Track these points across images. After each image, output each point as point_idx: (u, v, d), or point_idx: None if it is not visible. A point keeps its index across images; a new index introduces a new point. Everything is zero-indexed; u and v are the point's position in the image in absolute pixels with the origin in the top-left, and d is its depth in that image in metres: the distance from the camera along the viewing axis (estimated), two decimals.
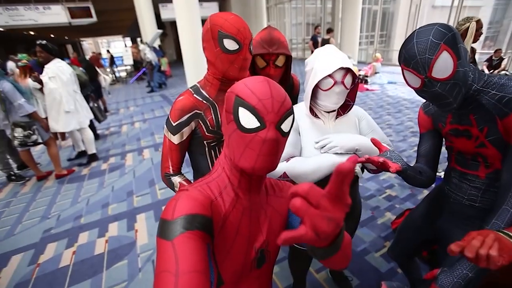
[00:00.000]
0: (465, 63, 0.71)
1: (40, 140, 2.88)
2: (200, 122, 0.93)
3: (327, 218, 0.31)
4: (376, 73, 7.12)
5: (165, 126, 0.94)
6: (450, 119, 0.86)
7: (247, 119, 0.48)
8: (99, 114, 3.98)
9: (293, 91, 1.39)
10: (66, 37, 21.66)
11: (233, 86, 0.52)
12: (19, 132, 2.72)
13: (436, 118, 0.92)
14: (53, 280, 1.78)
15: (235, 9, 12.93)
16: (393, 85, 6.64)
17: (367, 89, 6.26)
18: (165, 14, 11.50)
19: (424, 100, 0.93)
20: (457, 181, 0.91)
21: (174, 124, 0.90)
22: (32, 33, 14.74)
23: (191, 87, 0.96)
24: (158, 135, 4.44)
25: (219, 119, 0.94)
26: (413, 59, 0.70)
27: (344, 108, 1.02)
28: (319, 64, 0.88)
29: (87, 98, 3.56)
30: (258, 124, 0.48)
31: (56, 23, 9.11)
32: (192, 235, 0.43)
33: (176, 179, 0.95)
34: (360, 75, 6.76)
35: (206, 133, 0.94)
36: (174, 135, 0.91)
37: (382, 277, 1.62)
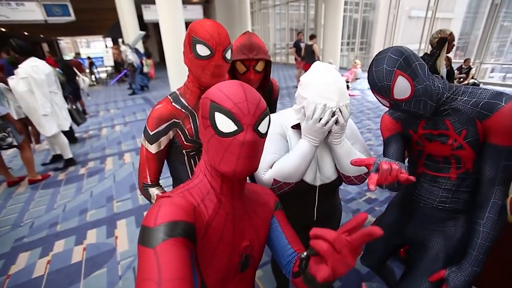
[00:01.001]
0: (424, 79, 0.77)
1: (15, 143, 2.73)
2: (179, 131, 0.91)
3: (346, 263, 0.37)
4: (357, 79, 7.38)
5: (142, 135, 0.92)
6: (423, 125, 0.90)
7: (224, 124, 0.48)
8: (78, 116, 3.83)
9: (272, 95, 1.40)
10: (42, 35, 20.66)
11: (207, 91, 0.52)
12: None
13: (407, 124, 0.96)
14: None
15: (219, 12, 12.94)
16: None
17: (348, 95, 6.46)
18: (147, 15, 11.29)
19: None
20: (428, 185, 0.94)
21: (151, 133, 0.88)
22: (3, 29, 13.94)
23: (170, 95, 0.94)
24: (139, 138, 4.33)
25: (198, 128, 0.94)
26: (375, 86, 0.80)
27: None
28: (312, 101, 0.82)
29: (65, 100, 3.42)
30: (235, 128, 0.48)
31: (31, 20, 8.68)
32: (175, 242, 0.42)
33: (154, 191, 0.93)
34: None
35: (185, 142, 0.92)
36: (151, 144, 0.89)
37: (362, 278, 1.67)
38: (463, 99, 0.81)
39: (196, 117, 0.93)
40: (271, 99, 1.38)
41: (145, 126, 0.90)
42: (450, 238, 0.91)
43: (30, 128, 3.83)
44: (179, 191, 0.54)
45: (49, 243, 2.09)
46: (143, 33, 8.15)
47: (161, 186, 0.97)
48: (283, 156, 0.90)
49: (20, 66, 2.75)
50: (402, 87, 0.76)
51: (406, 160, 1.07)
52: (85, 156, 3.73)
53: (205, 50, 0.82)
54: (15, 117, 2.97)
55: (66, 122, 3.26)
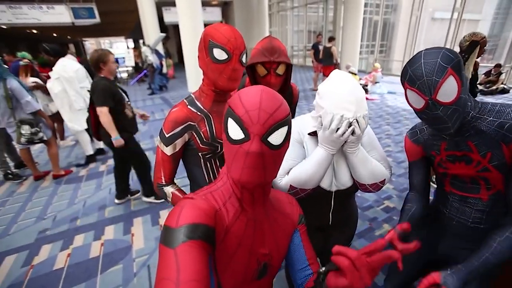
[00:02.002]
0: (466, 91, 0.72)
1: (45, 138, 2.89)
2: (194, 134, 0.92)
3: (363, 281, 0.41)
4: (376, 82, 7.18)
5: (158, 136, 0.94)
6: (444, 146, 0.85)
7: (234, 130, 0.48)
8: None
9: (292, 100, 1.39)
10: (69, 37, 21.73)
11: (232, 97, 0.52)
12: (26, 129, 2.73)
13: (428, 147, 0.91)
14: (47, 282, 1.76)
15: (237, 15, 13.06)
16: (392, 95, 6.70)
17: (367, 99, 6.30)
18: (168, 18, 11.60)
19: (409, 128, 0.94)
20: (458, 205, 0.90)
21: (167, 136, 0.90)
22: (34, 31, 14.79)
23: (186, 98, 0.96)
24: (157, 138, 4.42)
25: (214, 131, 0.94)
26: (420, 79, 0.70)
27: None
28: (329, 111, 0.80)
29: None
30: (242, 136, 0.47)
31: (59, 23, 9.16)
32: (195, 244, 0.43)
33: (169, 189, 0.95)
34: (360, 84, 6.81)
35: (201, 145, 0.94)
36: (166, 146, 0.91)
37: None
38: (487, 119, 0.75)
39: (212, 120, 0.94)
40: (291, 103, 1.37)
41: (161, 129, 0.92)
42: None
43: (56, 125, 4.03)
44: (202, 193, 0.55)
45: (69, 237, 2.18)
46: (163, 35, 8.36)
47: (175, 184, 0.99)
48: (299, 163, 0.90)
49: (54, 68, 2.98)
50: (450, 88, 0.68)
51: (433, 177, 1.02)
52: (105, 154, 3.86)
53: (222, 54, 0.83)
54: None
55: None
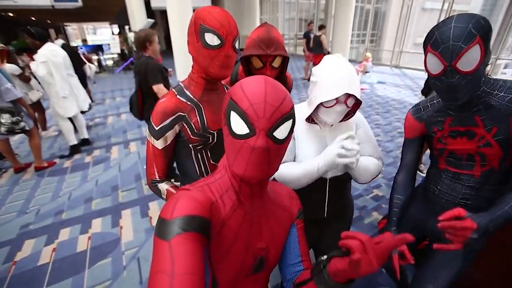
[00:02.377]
0: (486, 64, 0.70)
1: (27, 128, 2.75)
2: (185, 125, 0.87)
3: (371, 264, 0.41)
4: (366, 72, 7.19)
5: (147, 130, 0.88)
6: (449, 122, 0.86)
7: (237, 125, 0.46)
8: None
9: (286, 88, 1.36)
10: (49, 21, 20.60)
11: (232, 87, 0.49)
12: (6, 118, 2.58)
13: (431, 124, 0.92)
14: (31, 278, 1.70)
15: (228, 1, 12.67)
16: (382, 85, 6.74)
17: None
18: (155, 2, 11.11)
19: (414, 104, 0.94)
20: (450, 182, 0.92)
21: (156, 128, 0.84)
22: (11, 14, 13.91)
23: (174, 87, 0.90)
24: (145, 127, 4.32)
25: (205, 121, 0.89)
26: (445, 43, 0.67)
27: (343, 117, 0.96)
28: (326, 84, 0.81)
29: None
30: (247, 131, 0.45)
31: (38, 5, 8.62)
32: (190, 236, 0.42)
33: (163, 186, 0.90)
34: None
35: (192, 136, 0.89)
36: (157, 139, 0.85)
37: (368, 277, 1.64)
38: (498, 94, 0.76)
39: (203, 109, 0.89)
40: None
41: (150, 121, 0.86)
42: None
43: (37, 114, 3.84)
44: (198, 185, 0.53)
45: (54, 231, 2.11)
46: (152, 21, 8.00)
47: (170, 180, 0.94)
48: (290, 163, 0.92)
49: (39, 51, 2.84)
50: (473, 57, 0.66)
51: (429, 155, 1.03)
52: (91, 144, 3.73)
53: (215, 39, 0.77)
54: None
55: (85, 103, 3.49)
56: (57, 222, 2.21)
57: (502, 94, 0.75)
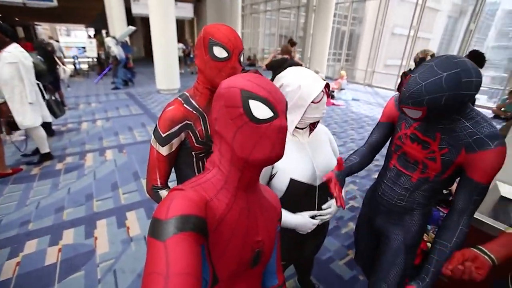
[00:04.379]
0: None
1: None
2: (190, 133, 0.91)
3: None
4: (341, 89, 7.60)
5: (152, 136, 0.91)
6: (416, 125, 0.94)
7: (261, 111, 0.50)
8: (57, 108, 3.62)
9: None
10: (17, 19, 19.37)
11: (229, 83, 0.52)
12: None
13: (404, 117, 1.00)
14: None
15: (210, 13, 12.87)
16: (356, 102, 7.15)
17: (333, 104, 6.65)
18: (136, 9, 10.99)
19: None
20: (392, 181, 1.04)
21: (163, 135, 0.87)
22: None
23: (179, 96, 0.93)
24: (123, 135, 4.17)
25: (209, 130, 0.94)
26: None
27: (313, 123, 1.02)
28: (308, 83, 0.89)
29: (44, 90, 3.23)
30: (272, 114, 0.50)
31: (7, 1, 8.13)
32: (186, 236, 0.42)
33: (164, 193, 0.91)
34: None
35: (196, 144, 0.93)
36: (162, 146, 0.88)
37: (345, 284, 1.71)
38: (464, 123, 0.82)
39: (207, 118, 0.94)
40: None
41: (156, 129, 0.88)
42: (407, 231, 1.04)
43: (0, 119, 3.57)
44: (191, 185, 0.53)
45: (19, 243, 1.95)
46: (133, 28, 7.87)
47: (169, 187, 0.95)
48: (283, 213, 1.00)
49: (5, 50, 2.58)
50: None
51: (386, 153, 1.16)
52: (62, 151, 3.53)
53: (222, 52, 0.85)
54: None
55: (48, 113, 3.17)
56: (22, 233, 2.05)
57: (467, 124, 0.82)
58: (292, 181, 0.93)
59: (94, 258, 1.84)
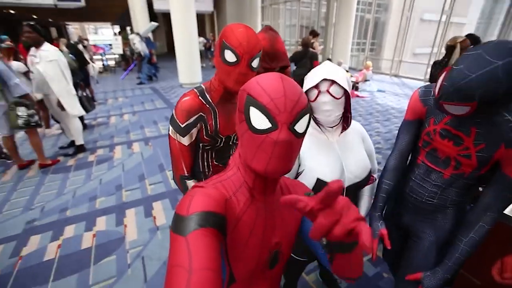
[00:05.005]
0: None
1: (39, 122, 2.76)
2: (203, 124, 0.93)
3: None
4: (366, 80, 7.31)
5: (170, 127, 0.93)
6: (447, 120, 0.85)
7: (258, 120, 0.46)
8: (87, 103, 3.83)
9: None
10: (50, 20, 20.58)
11: (246, 83, 0.50)
12: (22, 111, 2.60)
13: (432, 112, 0.91)
14: (37, 273, 1.72)
15: (230, 6, 12.83)
16: (382, 93, 6.85)
17: (358, 96, 6.42)
18: (158, 5, 11.24)
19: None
20: (421, 178, 0.96)
21: (182, 126, 0.89)
22: (12, 12, 13.88)
23: (196, 88, 0.95)
24: (148, 128, 4.35)
25: (218, 125, 0.95)
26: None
27: (346, 121, 0.98)
28: (308, 77, 0.89)
29: (76, 86, 3.45)
30: (269, 125, 0.46)
31: (41, 4, 8.66)
32: (206, 232, 0.42)
33: (191, 183, 0.95)
34: (351, 81, 6.90)
35: (205, 136, 0.95)
36: (183, 136, 0.90)
37: (369, 280, 1.68)
38: (506, 116, 0.75)
39: (218, 114, 0.95)
40: None
41: (174, 119, 0.90)
42: (440, 229, 0.98)
43: (41, 112, 3.86)
44: (211, 182, 0.54)
45: (59, 228, 2.13)
46: (156, 24, 8.07)
47: (196, 179, 0.99)
48: None
49: (42, 49, 2.77)
50: None
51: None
52: (94, 144, 3.76)
53: (232, 56, 0.84)
54: None
55: (81, 108, 3.42)
56: (62, 219, 2.23)
57: (509, 117, 0.74)
58: (318, 181, 0.91)
59: (124, 245, 1.96)
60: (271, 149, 0.46)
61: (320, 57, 7.45)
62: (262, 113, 0.46)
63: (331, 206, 0.37)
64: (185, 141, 0.91)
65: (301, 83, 1.01)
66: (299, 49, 4.07)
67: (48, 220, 2.22)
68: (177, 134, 0.90)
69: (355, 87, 6.82)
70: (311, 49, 3.89)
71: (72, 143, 3.51)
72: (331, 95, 0.86)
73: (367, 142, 1.05)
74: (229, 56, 0.83)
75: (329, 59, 8.72)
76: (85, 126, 4.30)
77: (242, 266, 0.55)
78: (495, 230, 1.01)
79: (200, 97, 0.92)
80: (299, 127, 0.48)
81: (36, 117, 2.72)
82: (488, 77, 0.61)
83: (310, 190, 0.71)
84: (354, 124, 1.05)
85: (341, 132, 0.98)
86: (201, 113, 0.91)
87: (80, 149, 3.43)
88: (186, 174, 0.95)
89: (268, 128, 0.46)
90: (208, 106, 0.93)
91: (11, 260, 1.81)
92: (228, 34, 0.83)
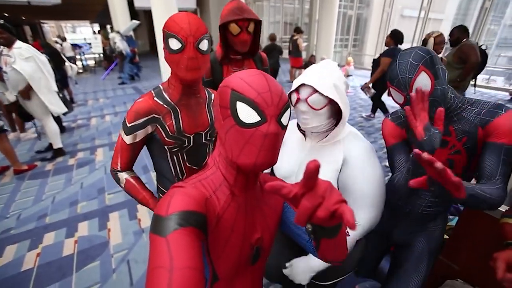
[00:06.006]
0: (443, 83, 0.79)
1: (5, 127, 2.63)
2: (159, 127, 0.90)
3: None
4: (348, 75, 7.43)
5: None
6: None
7: (247, 114, 0.47)
8: (65, 105, 3.68)
9: (263, 63, 1.51)
10: (23, 18, 19.59)
11: (226, 80, 0.50)
12: None
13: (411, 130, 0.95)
14: (15, 284, 1.64)
15: (213, 2, 12.66)
16: None
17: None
18: (138, 2, 10.90)
19: (391, 112, 1.01)
20: (418, 190, 0.97)
21: (128, 125, 0.88)
22: None
23: (153, 89, 0.92)
24: None
25: (181, 125, 0.92)
26: (395, 78, 0.80)
27: (328, 132, 0.89)
28: (299, 77, 0.86)
29: None
30: (258, 118, 0.47)
31: (13, 1, 8.22)
32: (186, 231, 0.42)
33: (123, 175, 0.94)
34: None
35: (166, 139, 0.91)
36: (127, 135, 0.89)
37: (356, 280, 1.72)
38: (468, 108, 0.85)
39: (179, 113, 0.92)
40: (262, 66, 1.50)
41: (125, 117, 0.89)
42: (431, 237, 1.02)
43: (14, 115, 3.68)
44: (191, 182, 0.54)
45: (38, 236, 2.04)
46: (137, 22, 7.83)
47: (133, 171, 0.97)
48: None
49: (15, 47, 2.64)
50: (423, 82, 0.77)
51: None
52: (74, 147, 3.62)
53: (176, 43, 0.80)
54: None
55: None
56: (41, 226, 2.13)
57: (470, 107, 0.85)
58: (272, 172, 0.94)
59: (108, 249, 1.90)
60: (260, 141, 0.47)
61: (304, 54, 7.51)
62: (251, 107, 0.47)
63: (313, 190, 0.37)
64: (127, 139, 0.90)
65: (272, 73, 1.01)
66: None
67: (26, 228, 2.12)
68: (122, 131, 0.90)
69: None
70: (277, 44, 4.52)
71: (50, 147, 3.37)
72: (309, 105, 0.80)
73: (349, 168, 0.86)
74: (174, 44, 0.79)
75: (312, 56, 8.80)
76: (63, 129, 4.13)
77: (225, 263, 0.55)
78: (480, 220, 1.05)
79: (155, 98, 0.89)
80: (284, 119, 0.50)
81: (1, 122, 2.58)
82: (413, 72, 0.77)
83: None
84: (352, 144, 0.89)
85: (321, 140, 0.90)
86: (153, 115, 0.87)
87: (59, 152, 3.29)
88: (119, 169, 0.94)
89: (257, 121, 0.47)
90: (166, 106, 0.89)
91: None
92: (169, 23, 0.80)
